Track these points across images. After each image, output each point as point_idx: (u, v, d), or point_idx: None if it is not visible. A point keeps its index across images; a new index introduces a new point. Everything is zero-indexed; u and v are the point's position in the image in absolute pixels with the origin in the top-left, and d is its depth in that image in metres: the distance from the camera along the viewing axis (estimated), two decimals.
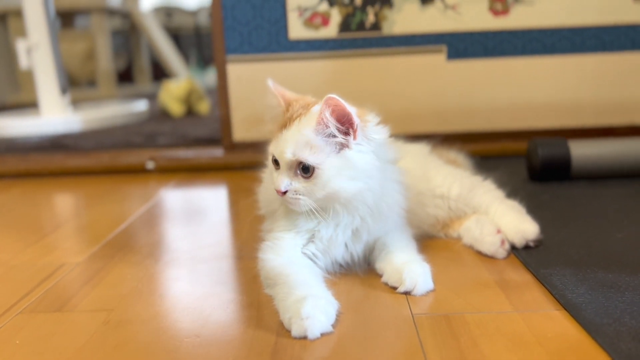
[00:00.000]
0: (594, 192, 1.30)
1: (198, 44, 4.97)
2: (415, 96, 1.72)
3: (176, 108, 2.68)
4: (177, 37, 4.80)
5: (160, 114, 2.76)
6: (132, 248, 1.11)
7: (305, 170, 0.82)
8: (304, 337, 0.72)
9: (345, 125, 0.81)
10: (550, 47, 1.68)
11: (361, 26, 1.69)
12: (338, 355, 0.69)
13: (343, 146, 0.82)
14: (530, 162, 1.43)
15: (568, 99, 1.71)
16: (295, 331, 0.72)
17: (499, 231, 0.95)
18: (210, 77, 4.32)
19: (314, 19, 1.68)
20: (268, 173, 0.95)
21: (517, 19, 1.67)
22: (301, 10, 1.67)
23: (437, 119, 1.73)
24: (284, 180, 0.83)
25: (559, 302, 0.79)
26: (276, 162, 0.86)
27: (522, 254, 0.95)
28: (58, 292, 0.91)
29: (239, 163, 1.74)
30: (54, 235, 1.22)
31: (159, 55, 4.00)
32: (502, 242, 0.94)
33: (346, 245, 0.90)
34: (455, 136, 1.65)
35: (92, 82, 4.01)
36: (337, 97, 0.79)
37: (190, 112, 2.75)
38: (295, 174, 0.83)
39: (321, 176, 0.81)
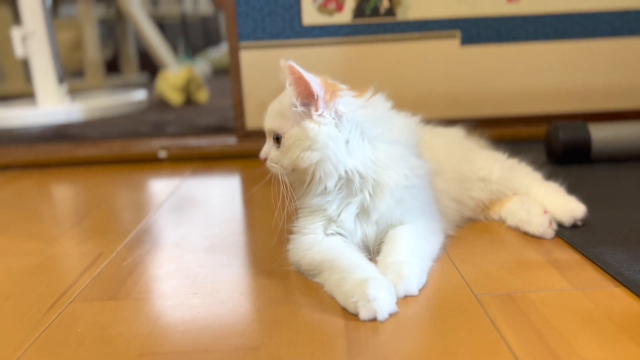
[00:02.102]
0: (617, 174, 1.32)
1: (185, 32, 4.90)
2: (429, 81, 1.73)
3: (175, 97, 2.64)
4: (162, 25, 4.72)
5: (158, 104, 2.71)
6: (167, 236, 1.09)
7: (277, 138, 0.87)
8: (374, 319, 0.72)
9: (306, 95, 0.82)
10: (562, 32, 1.69)
11: (375, 12, 1.68)
12: (413, 336, 0.69)
13: (306, 116, 0.83)
14: (550, 146, 1.45)
15: (580, 84, 1.72)
16: (365, 314, 0.72)
17: (545, 212, 0.96)
18: (199, 66, 4.26)
19: (328, 4, 1.67)
20: None
21: (530, 4, 1.67)
22: None
23: (450, 104, 1.74)
24: (264, 149, 0.89)
25: (616, 279, 0.80)
26: None
27: (566, 234, 0.96)
28: (105, 280, 0.89)
29: (253, 151, 1.71)
30: (82, 225, 1.19)
31: (146, 44, 3.92)
32: (550, 223, 0.95)
33: (359, 226, 0.88)
34: (469, 121, 1.65)
35: (78, 73, 3.93)
36: (293, 65, 0.80)
37: (189, 102, 2.71)
38: (274, 143, 0.88)
39: (284, 144, 0.85)
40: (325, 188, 0.86)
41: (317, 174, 0.84)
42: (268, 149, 0.89)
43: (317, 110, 0.82)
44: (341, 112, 0.83)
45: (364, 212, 0.88)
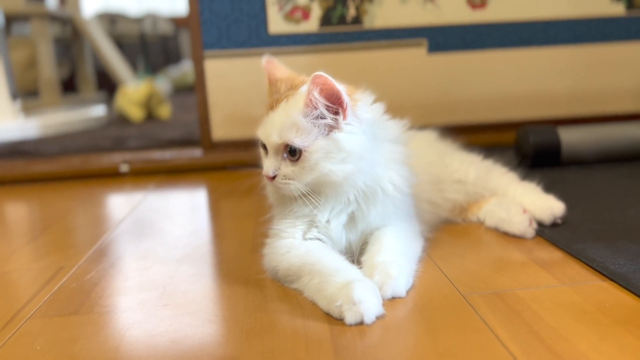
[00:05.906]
0: (588, 175, 1.33)
1: (144, 51, 4.82)
2: (397, 90, 1.72)
3: (135, 113, 2.56)
4: (121, 44, 4.63)
5: (118, 119, 2.63)
6: (132, 248, 1.03)
7: (293, 153, 0.78)
8: (360, 323, 0.68)
9: (335, 104, 0.76)
10: (527, 39, 1.71)
11: (342, 20, 1.67)
12: (403, 338, 0.65)
13: (332, 127, 0.77)
14: (520, 149, 1.45)
15: (545, 90, 1.75)
16: (351, 318, 0.68)
17: (525, 211, 0.94)
18: (160, 84, 4.18)
19: (295, 12, 1.65)
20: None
21: (495, 12, 1.69)
22: (281, 4, 1.63)
23: (419, 112, 1.73)
24: (272, 165, 0.79)
25: (602, 273, 0.79)
26: (265, 147, 0.82)
27: (547, 232, 0.95)
28: (66, 295, 0.83)
29: (220, 163, 1.67)
30: (39, 241, 1.12)
31: (104, 63, 3.83)
32: (530, 222, 0.93)
33: (344, 234, 0.84)
34: (437, 129, 1.65)
35: (32, 92, 3.79)
36: (325, 75, 0.74)
37: (150, 117, 2.64)
38: (283, 158, 0.79)
39: (309, 159, 0.77)
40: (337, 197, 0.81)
41: (342, 187, 0.79)
42: (277, 165, 0.79)
43: (345, 118, 0.77)
44: (364, 118, 0.78)
45: (351, 221, 0.84)
